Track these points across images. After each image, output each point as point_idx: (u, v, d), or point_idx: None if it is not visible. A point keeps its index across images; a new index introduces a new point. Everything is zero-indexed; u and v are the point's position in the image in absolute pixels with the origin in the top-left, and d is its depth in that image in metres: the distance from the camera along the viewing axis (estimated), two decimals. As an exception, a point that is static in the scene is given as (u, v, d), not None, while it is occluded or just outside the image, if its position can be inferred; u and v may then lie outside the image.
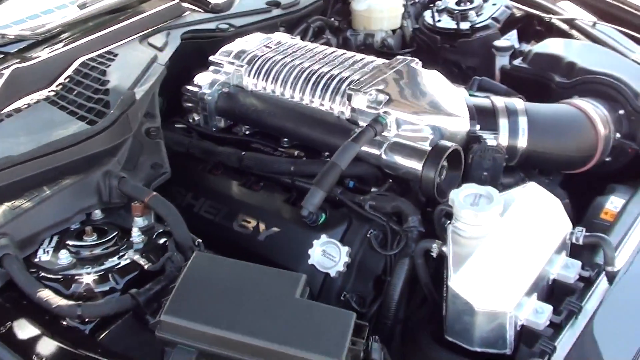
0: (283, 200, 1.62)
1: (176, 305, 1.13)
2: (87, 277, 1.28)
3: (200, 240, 1.41)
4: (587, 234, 1.36)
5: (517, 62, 2.09)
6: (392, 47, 2.47)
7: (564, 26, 2.30)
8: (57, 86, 1.71)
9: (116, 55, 1.82)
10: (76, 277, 1.28)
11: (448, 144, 1.49)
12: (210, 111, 1.85)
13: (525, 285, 1.23)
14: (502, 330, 1.21)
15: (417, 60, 1.73)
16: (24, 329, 1.24)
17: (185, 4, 2.13)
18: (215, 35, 2.06)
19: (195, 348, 1.10)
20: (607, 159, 1.82)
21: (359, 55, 1.82)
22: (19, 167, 1.41)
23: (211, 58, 1.90)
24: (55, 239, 1.40)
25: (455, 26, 2.34)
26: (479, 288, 1.21)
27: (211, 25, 2.08)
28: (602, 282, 1.36)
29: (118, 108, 1.55)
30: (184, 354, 1.10)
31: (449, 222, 1.31)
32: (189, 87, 1.87)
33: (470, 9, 2.38)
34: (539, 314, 1.23)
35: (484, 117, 1.64)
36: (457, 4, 2.42)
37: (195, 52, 1.98)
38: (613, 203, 1.65)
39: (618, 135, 1.79)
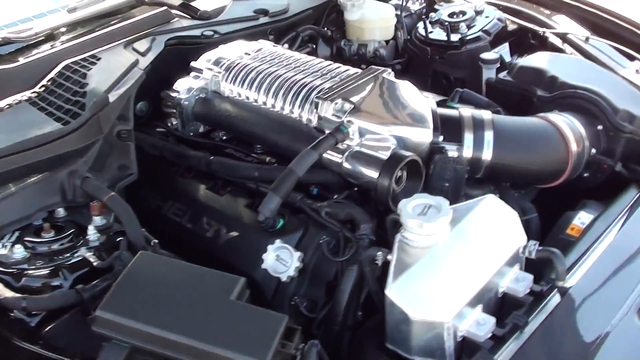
0: (245, 205, 1.63)
1: (112, 301, 1.16)
2: (38, 272, 1.32)
3: (157, 241, 1.43)
4: (540, 248, 1.34)
5: (502, 75, 2.07)
6: (385, 58, 2.47)
7: (557, 40, 2.28)
8: (39, 88, 1.74)
9: (99, 59, 1.85)
10: (27, 272, 1.32)
11: (406, 153, 1.50)
12: (187, 116, 1.88)
13: (467, 296, 1.21)
14: (440, 341, 1.20)
15: (389, 70, 1.74)
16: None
17: (174, 11, 2.16)
18: (200, 42, 2.08)
19: (128, 344, 1.13)
20: (585, 175, 1.80)
21: (335, 65, 1.84)
22: (-13, 164, 1.44)
23: (192, 64, 1.93)
24: (16, 234, 1.43)
25: (445, 38, 2.34)
26: (416, 297, 1.20)
27: (197, 32, 2.10)
28: (555, 298, 1.35)
29: (89, 110, 1.58)
30: (117, 349, 1.13)
31: (398, 231, 1.31)
32: (168, 92, 1.90)
33: (462, 21, 2.37)
34: (481, 325, 1.20)
35: (450, 128, 1.63)
36: (450, 15, 2.42)
37: (180, 58, 2.00)
38: (581, 219, 1.64)
39: (594, 150, 1.76)
